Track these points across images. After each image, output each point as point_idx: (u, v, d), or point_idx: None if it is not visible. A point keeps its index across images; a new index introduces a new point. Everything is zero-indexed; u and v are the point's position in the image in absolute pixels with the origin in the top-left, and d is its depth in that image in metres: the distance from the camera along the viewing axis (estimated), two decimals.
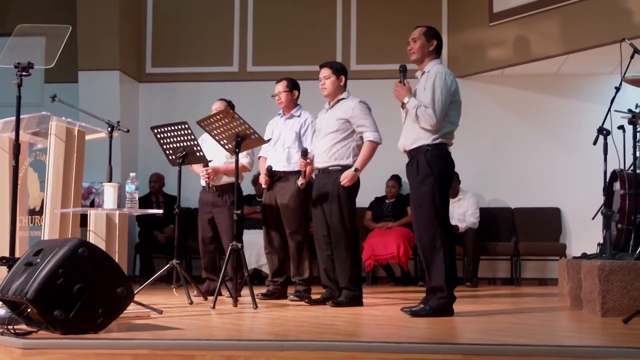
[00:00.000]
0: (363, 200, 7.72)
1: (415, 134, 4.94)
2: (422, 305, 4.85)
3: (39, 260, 3.86)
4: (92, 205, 9.03)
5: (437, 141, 4.90)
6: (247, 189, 9.04)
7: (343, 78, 6.00)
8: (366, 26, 10.01)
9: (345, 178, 5.69)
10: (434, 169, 4.86)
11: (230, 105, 6.81)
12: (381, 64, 9.69)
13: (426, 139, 4.90)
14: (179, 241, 6.36)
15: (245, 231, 7.41)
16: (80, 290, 3.75)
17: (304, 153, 6.00)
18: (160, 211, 5.45)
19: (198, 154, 6.21)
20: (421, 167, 4.89)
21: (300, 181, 6.09)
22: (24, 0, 10.58)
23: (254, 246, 8.19)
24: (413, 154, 4.97)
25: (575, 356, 3.21)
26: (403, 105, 5.02)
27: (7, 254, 4.69)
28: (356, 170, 5.73)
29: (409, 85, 5.03)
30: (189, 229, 8.79)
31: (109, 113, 9.21)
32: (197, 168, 6.83)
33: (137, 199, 4.87)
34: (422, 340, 3.69)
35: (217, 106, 6.74)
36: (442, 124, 4.88)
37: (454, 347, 3.37)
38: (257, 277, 8.65)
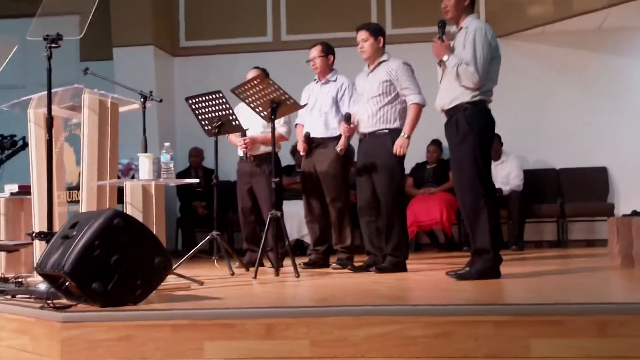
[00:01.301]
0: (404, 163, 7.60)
1: (453, 93, 4.78)
2: (467, 269, 4.72)
3: (75, 233, 3.80)
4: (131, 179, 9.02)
5: (476, 98, 4.73)
6: (286, 159, 8.95)
7: (381, 39, 5.84)
8: None
9: (398, 147, 5.56)
10: (474, 127, 4.70)
11: (265, 73, 6.68)
12: (417, 27, 9.49)
13: (465, 96, 4.74)
14: (218, 213, 6.29)
15: (285, 202, 7.31)
16: (118, 261, 3.69)
17: (347, 118, 5.87)
18: (196, 180, 5.38)
19: (234, 122, 6.12)
20: (460, 126, 4.73)
21: (340, 146, 5.97)
22: None
23: (295, 217, 8.11)
24: (451, 112, 4.82)
25: (630, 313, 3.06)
26: (441, 62, 4.86)
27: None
28: (407, 136, 5.59)
29: (448, 42, 4.86)
30: (228, 201, 8.73)
31: (144, 88, 9.18)
32: (234, 138, 6.74)
33: (172, 168, 4.79)
34: (468, 302, 3.57)
35: (251, 75, 6.62)
36: (483, 80, 4.71)
37: (502, 308, 3.24)
38: (299, 248, 8.57)
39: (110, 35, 9.59)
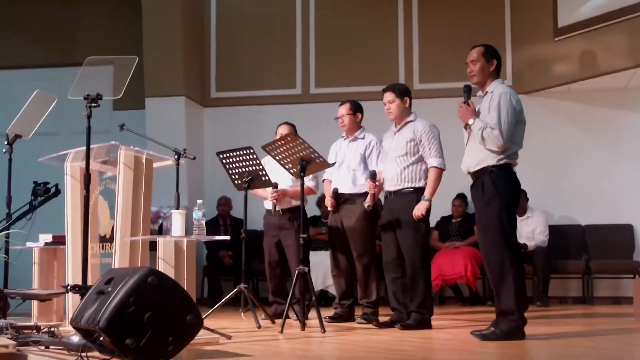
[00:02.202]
0: (429, 219, 7.67)
1: (479, 155, 4.88)
2: (492, 329, 4.77)
3: (110, 289, 3.91)
4: (160, 229, 9.17)
5: (502, 162, 4.82)
6: (312, 210, 9.06)
7: (407, 100, 5.97)
8: (428, 44, 9.98)
9: (417, 210, 5.65)
10: (500, 190, 4.78)
11: (293, 127, 6.84)
12: (444, 82, 9.63)
13: (491, 160, 4.83)
14: (246, 265, 6.39)
15: (311, 252, 7.41)
16: (151, 318, 3.78)
17: (373, 176, 5.97)
18: (227, 237, 5.47)
19: (264, 178, 6.25)
20: (487, 189, 4.82)
21: (368, 203, 6.07)
22: (92, 31, 10.83)
23: (320, 267, 8.19)
24: (478, 175, 4.91)
25: None
26: (467, 126, 4.96)
27: (80, 282, 4.82)
28: (427, 199, 5.68)
29: (474, 106, 4.97)
30: (255, 251, 8.84)
31: (175, 138, 9.46)
32: (262, 192, 6.85)
33: (204, 225, 4.92)
34: None
35: (282, 130, 6.76)
36: (508, 144, 4.81)
37: None
38: (323, 298, 8.64)
39: (143, 85, 9.81)
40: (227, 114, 10.35)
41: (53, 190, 8.91)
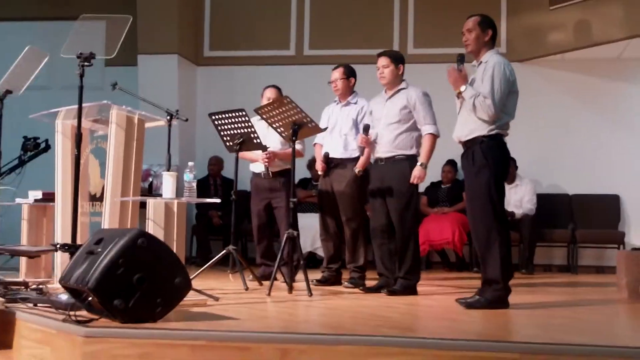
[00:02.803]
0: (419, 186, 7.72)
1: (471, 125, 4.89)
2: (477, 297, 4.83)
3: (99, 250, 3.94)
4: (150, 187, 9.19)
5: (493, 132, 4.84)
6: (302, 172, 9.08)
7: (401, 67, 5.96)
8: (424, 9, 9.95)
9: (415, 177, 5.67)
10: (490, 160, 4.81)
11: (279, 89, 6.86)
12: (439, 47, 9.63)
13: (482, 129, 4.84)
14: (235, 227, 6.43)
15: (300, 214, 7.44)
16: (140, 280, 3.82)
17: (366, 128, 5.98)
18: (217, 200, 5.49)
19: (255, 140, 6.26)
20: (477, 158, 4.84)
21: (358, 168, 6.09)
22: None
23: (310, 229, 8.23)
24: (468, 145, 4.93)
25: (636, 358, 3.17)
26: (459, 94, 4.97)
27: (69, 240, 4.84)
28: (424, 165, 5.71)
29: (466, 72, 4.97)
30: (244, 212, 8.86)
31: (167, 96, 9.47)
32: (249, 154, 6.84)
33: (195, 187, 4.93)
34: (477, 336, 3.68)
35: (268, 94, 6.78)
36: (499, 114, 4.83)
37: (510, 345, 3.35)
38: (311, 260, 8.70)
39: (136, 42, 9.74)
40: (220, 74, 10.31)
41: (43, 145, 8.92)
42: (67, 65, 5.06)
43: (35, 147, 8.77)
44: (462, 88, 4.90)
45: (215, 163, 9.57)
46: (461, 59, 5.03)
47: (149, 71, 9.70)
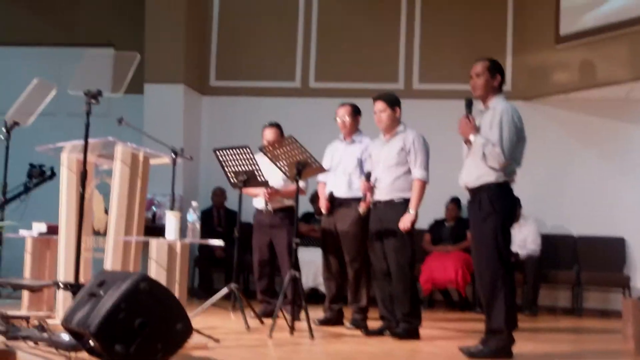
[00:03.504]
0: (422, 222, 7.65)
1: (478, 171, 4.87)
2: (480, 347, 4.78)
3: (102, 293, 3.92)
4: (153, 217, 9.15)
5: (500, 179, 4.82)
6: (305, 206, 9.05)
7: (398, 110, 5.95)
8: (430, 45, 9.94)
9: (403, 223, 5.64)
10: (497, 207, 4.79)
11: (279, 128, 6.85)
12: (444, 83, 9.64)
13: (489, 177, 4.82)
14: (237, 264, 6.40)
15: (303, 249, 7.41)
16: (141, 325, 3.78)
17: (368, 176, 5.97)
18: (221, 243, 5.43)
19: (259, 178, 6.24)
20: (484, 206, 4.82)
21: (362, 208, 6.06)
22: (93, 11, 10.76)
23: (312, 265, 8.19)
24: (476, 191, 4.91)
25: None
26: (467, 141, 4.95)
27: (72, 276, 4.82)
28: (412, 212, 5.67)
29: (474, 122, 4.95)
30: (247, 244, 8.83)
31: (172, 125, 9.49)
32: (252, 189, 6.81)
33: (198, 228, 4.91)
34: None
35: (268, 134, 6.79)
36: (509, 162, 4.81)
37: None
38: (313, 296, 8.62)
39: (143, 70, 9.76)
40: (225, 104, 10.31)
41: (49, 173, 8.91)
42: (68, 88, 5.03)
43: (41, 175, 8.78)
44: (472, 137, 4.87)
45: (220, 194, 9.54)
46: (469, 103, 5.00)
47: (155, 100, 9.70)
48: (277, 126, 6.90)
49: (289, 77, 10.27)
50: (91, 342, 3.88)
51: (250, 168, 6.22)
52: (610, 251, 8.98)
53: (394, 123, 5.93)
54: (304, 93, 10.16)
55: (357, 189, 6.33)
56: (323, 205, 6.46)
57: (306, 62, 10.23)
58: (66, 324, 4.04)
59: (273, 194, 6.68)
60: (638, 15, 8.27)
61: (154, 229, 7.58)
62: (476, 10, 9.80)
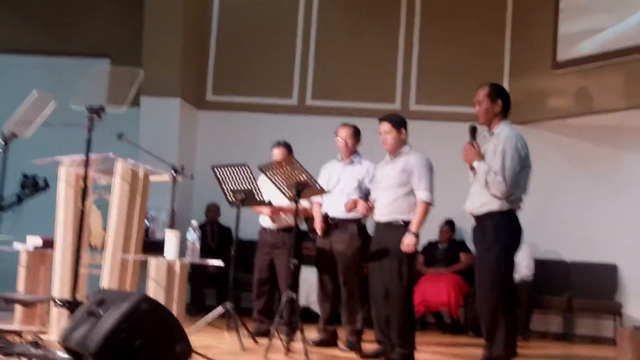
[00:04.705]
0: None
1: (483, 199, 4.88)
2: None
3: (101, 312, 3.89)
4: (146, 232, 9.09)
5: (505, 207, 4.83)
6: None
7: (403, 131, 5.91)
8: (427, 66, 9.96)
9: (405, 245, 5.60)
10: (501, 235, 4.81)
11: (288, 147, 6.80)
12: (441, 105, 9.68)
13: (493, 204, 4.84)
14: (233, 282, 6.37)
15: None
16: (141, 346, 3.77)
17: (367, 195, 5.95)
18: (221, 263, 5.41)
19: (258, 197, 6.22)
20: (488, 234, 4.83)
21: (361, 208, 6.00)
22: (92, 21, 10.74)
23: (304, 283, 8.14)
24: (480, 219, 4.91)
25: None
26: (472, 167, 4.95)
27: (67, 292, 4.78)
28: (413, 233, 5.64)
29: (478, 149, 4.95)
30: (242, 261, 8.78)
31: (168, 138, 9.45)
32: (259, 206, 6.78)
33: (198, 248, 4.89)
34: None
35: (277, 153, 6.72)
36: (512, 190, 4.81)
37: None
38: (305, 315, 8.58)
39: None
40: (222, 119, 10.29)
41: (42, 184, 8.84)
42: (68, 101, 5.00)
43: (34, 186, 8.71)
44: (476, 164, 4.88)
45: (214, 210, 9.51)
46: (473, 130, 5.02)
47: (151, 113, 9.66)
48: (285, 145, 6.83)
49: (286, 94, 10.27)
50: None
51: (248, 187, 6.20)
52: (602, 278, 8.98)
53: (399, 144, 5.89)
54: (301, 110, 10.16)
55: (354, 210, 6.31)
56: (318, 226, 6.42)
57: (303, 80, 10.24)
58: (64, 343, 4.01)
59: (276, 211, 6.63)
60: (634, 44, 8.33)
61: (148, 244, 7.52)
62: (474, 33, 9.84)
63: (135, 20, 9.99)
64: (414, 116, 9.56)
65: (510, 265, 4.84)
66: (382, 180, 5.91)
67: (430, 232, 9.02)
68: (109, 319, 3.79)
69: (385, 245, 5.75)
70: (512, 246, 4.89)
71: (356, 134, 6.53)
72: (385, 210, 5.81)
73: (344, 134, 6.50)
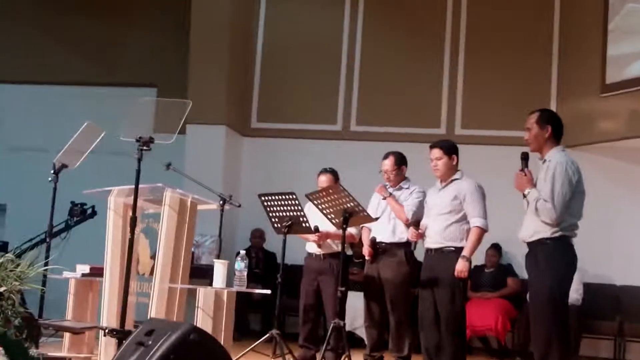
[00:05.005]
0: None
1: (535, 226, 4.83)
2: None
3: (150, 343, 3.90)
4: (192, 257, 9.16)
5: (557, 234, 4.76)
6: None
7: (455, 157, 5.91)
8: (473, 91, 9.92)
9: (458, 271, 5.59)
10: (553, 263, 4.74)
11: (334, 174, 6.78)
12: (486, 129, 9.62)
13: (545, 232, 4.78)
14: (280, 310, 6.36)
15: None
16: None
17: (417, 222, 5.93)
18: (268, 291, 5.42)
19: (304, 224, 6.22)
20: (540, 261, 4.78)
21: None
22: (136, 53, 10.92)
23: (350, 308, 8.08)
24: (532, 246, 4.86)
25: None
26: (524, 195, 4.90)
27: (115, 320, 4.82)
28: (466, 259, 5.62)
29: (530, 176, 4.91)
30: (288, 286, 8.76)
31: (213, 166, 9.51)
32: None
33: (245, 277, 4.90)
34: None
35: (323, 180, 6.69)
36: (564, 216, 4.74)
37: None
38: (350, 340, 8.50)
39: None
40: (266, 145, 10.36)
41: (90, 212, 8.97)
42: (114, 130, 5.06)
43: (82, 213, 8.86)
44: (527, 191, 4.84)
45: (259, 236, 9.54)
46: (525, 157, 4.98)
47: (197, 140, 9.74)
48: (331, 172, 6.78)
49: (331, 120, 10.29)
50: None
51: (295, 214, 6.20)
52: None
53: (451, 170, 5.88)
54: (345, 136, 10.18)
55: (402, 234, 6.27)
56: (366, 251, 6.42)
57: (348, 106, 10.26)
58: None
59: (323, 237, 6.61)
60: None
61: (193, 269, 7.56)
62: (521, 56, 9.77)
63: (181, 48, 10.14)
64: (459, 141, 9.43)
65: (563, 293, 4.76)
66: (434, 207, 5.89)
67: (476, 257, 8.91)
68: (158, 349, 3.80)
69: (437, 272, 5.74)
70: (565, 273, 4.82)
71: (397, 162, 6.45)
72: (437, 237, 5.80)
73: (384, 165, 6.47)
